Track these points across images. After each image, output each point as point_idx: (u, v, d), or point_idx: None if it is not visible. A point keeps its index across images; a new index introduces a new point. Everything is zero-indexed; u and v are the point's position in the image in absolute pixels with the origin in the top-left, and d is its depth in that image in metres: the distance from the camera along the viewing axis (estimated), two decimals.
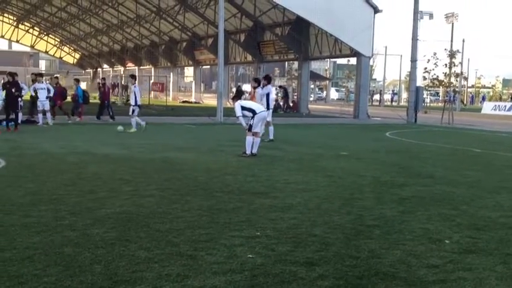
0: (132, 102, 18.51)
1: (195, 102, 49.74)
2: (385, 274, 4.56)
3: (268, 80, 16.13)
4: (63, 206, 6.63)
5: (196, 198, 7.45)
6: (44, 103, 19.72)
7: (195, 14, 41.41)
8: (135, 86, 18.67)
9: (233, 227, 5.91)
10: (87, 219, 6.04)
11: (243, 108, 12.25)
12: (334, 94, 75.93)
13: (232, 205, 7.06)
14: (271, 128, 15.81)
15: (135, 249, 5.00)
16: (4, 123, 17.69)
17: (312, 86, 65.44)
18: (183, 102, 49.98)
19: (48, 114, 19.95)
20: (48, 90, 20.17)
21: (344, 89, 73.67)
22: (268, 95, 15.39)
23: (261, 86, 15.78)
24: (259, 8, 36.41)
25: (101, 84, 25.01)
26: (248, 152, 12.16)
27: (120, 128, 18.03)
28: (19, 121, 17.95)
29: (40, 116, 19.74)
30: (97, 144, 13.86)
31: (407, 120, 29.61)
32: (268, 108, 15.19)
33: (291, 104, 38.55)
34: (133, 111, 18.21)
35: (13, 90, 17.19)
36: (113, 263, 4.59)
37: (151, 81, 53.82)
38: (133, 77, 19.77)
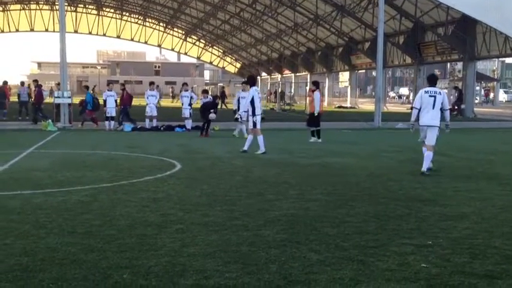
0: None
1: (350, 107, 49.34)
2: None
3: (252, 81, 14.28)
4: (236, 207, 7.02)
5: (361, 203, 7.39)
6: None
7: (353, 18, 41.12)
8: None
9: (402, 235, 5.75)
10: (258, 220, 6.32)
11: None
12: (502, 96, 70.13)
13: (400, 212, 6.88)
14: (250, 137, 13.78)
15: (306, 251, 5.11)
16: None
17: (478, 88, 61.15)
18: (338, 107, 49.90)
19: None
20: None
21: None
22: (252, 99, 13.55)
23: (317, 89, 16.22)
24: (420, 8, 34.99)
25: (121, 89, 22.99)
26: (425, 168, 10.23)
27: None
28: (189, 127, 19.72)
29: (147, 121, 21.37)
30: (258, 149, 14.38)
31: None
32: (254, 114, 13.52)
33: (456, 107, 36.31)
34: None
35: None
36: (286, 263, 4.74)
37: (307, 87, 54.65)
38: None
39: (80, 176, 9.57)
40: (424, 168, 10.15)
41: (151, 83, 22.74)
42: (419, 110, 10.31)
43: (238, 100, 17.97)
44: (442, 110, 10.26)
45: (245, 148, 13.68)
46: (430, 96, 10.23)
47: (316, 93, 17.09)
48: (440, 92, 10.29)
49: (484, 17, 29.12)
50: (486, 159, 12.66)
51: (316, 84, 17.55)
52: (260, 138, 13.63)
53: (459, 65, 54.01)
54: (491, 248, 5.26)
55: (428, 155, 10.23)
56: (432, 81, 10.54)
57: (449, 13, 33.13)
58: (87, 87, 24.18)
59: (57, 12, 28.39)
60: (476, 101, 51.76)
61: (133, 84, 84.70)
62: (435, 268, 4.65)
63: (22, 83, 28.25)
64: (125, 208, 6.93)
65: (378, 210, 6.97)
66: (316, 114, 16.91)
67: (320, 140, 16.67)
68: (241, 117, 15.97)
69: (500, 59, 62.73)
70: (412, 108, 10.76)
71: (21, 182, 8.89)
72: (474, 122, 29.03)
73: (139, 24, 73.25)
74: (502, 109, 46.76)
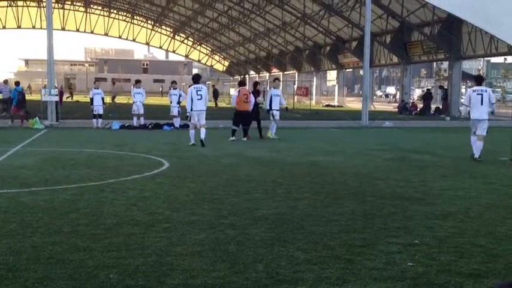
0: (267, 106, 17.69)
1: (338, 106, 49.52)
2: None
3: (195, 79, 14.87)
4: (223, 206, 7.01)
5: (348, 202, 7.42)
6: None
7: (340, 17, 41.27)
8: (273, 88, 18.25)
9: (389, 233, 5.78)
10: (246, 219, 6.32)
11: None
12: None
13: (386, 210, 6.91)
14: (204, 130, 14.50)
15: (293, 250, 5.12)
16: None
17: (464, 87, 61.69)
18: (326, 106, 50.06)
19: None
20: (180, 96, 21.50)
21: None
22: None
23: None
24: (406, 8, 35.24)
25: None
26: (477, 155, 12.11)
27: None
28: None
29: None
30: (246, 147, 14.43)
31: None
32: (191, 109, 14.49)
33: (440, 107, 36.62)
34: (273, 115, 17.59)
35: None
36: (273, 262, 4.75)
37: (295, 85, 54.78)
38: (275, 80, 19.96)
39: (67, 175, 9.50)
40: (476, 155, 11.99)
41: (138, 81, 22.66)
42: (469, 107, 12.13)
43: (271, 98, 17.66)
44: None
45: (193, 142, 14.63)
46: (477, 94, 11.94)
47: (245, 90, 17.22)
48: (486, 90, 12.04)
49: (470, 16, 29.41)
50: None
51: (241, 84, 17.95)
52: (191, 132, 14.80)
53: (445, 65, 54.41)
54: (477, 247, 5.31)
55: (479, 145, 12.02)
56: (479, 81, 12.41)
57: (435, 13, 33.40)
58: (17, 83, 23.51)
59: (45, 9, 28.19)
60: (462, 100, 52.15)
61: (121, 82, 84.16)
62: (421, 267, 4.68)
63: (5, 81, 28.94)
64: (112, 207, 6.89)
65: (365, 208, 7.00)
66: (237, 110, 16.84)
67: (234, 139, 16.24)
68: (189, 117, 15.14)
69: (486, 58, 63.32)
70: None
71: (8, 180, 8.80)
72: (458, 121, 29.23)
73: (127, 22, 72.88)
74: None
